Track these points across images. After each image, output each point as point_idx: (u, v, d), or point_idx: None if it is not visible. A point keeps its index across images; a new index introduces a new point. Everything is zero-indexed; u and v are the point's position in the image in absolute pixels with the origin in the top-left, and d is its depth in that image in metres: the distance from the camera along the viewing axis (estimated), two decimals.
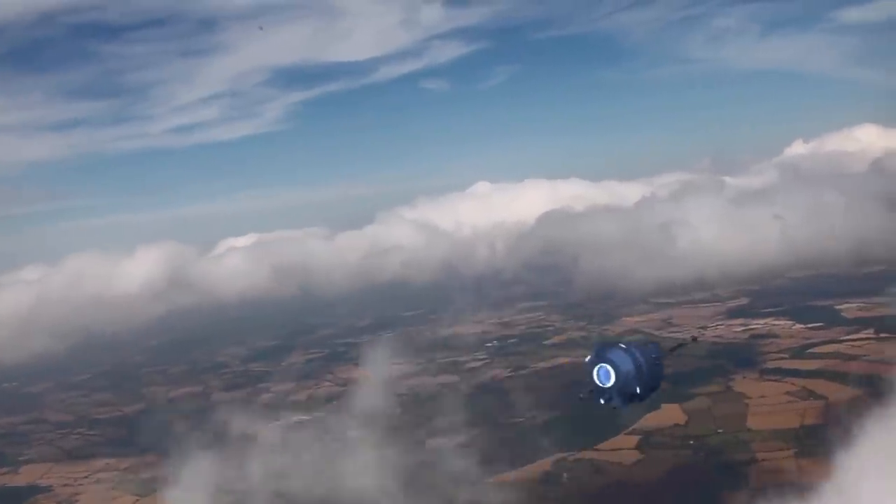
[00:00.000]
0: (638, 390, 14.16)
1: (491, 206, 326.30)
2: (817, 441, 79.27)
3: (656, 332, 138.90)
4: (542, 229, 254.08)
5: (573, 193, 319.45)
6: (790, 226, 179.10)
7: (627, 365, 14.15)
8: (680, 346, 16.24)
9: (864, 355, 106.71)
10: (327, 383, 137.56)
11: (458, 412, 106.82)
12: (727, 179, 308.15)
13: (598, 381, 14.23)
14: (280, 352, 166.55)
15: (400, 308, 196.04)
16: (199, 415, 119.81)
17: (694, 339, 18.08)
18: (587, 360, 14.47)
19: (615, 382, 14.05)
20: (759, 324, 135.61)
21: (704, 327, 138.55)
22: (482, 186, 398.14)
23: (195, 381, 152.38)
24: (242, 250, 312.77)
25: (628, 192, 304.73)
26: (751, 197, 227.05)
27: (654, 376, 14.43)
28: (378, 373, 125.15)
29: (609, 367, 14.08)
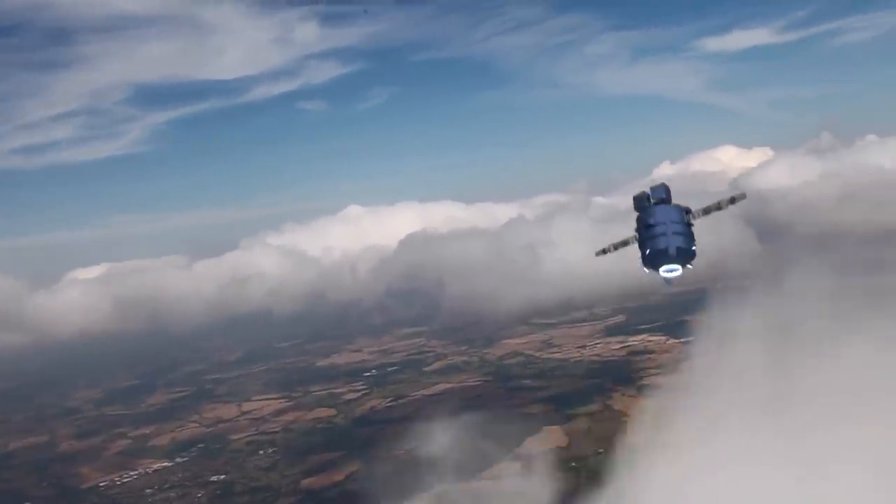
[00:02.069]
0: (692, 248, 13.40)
1: (362, 231, 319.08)
2: None
3: (537, 354, 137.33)
4: (404, 253, 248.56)
5: (446, 215, 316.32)
6: None
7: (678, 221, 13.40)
8: (717, 206, 14.26)
9: None
10: (193, 424, 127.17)
11: (336, 447, 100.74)
12: (599, 199, 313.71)
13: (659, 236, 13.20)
14: (139, 392, 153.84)
15: (272, 339, 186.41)
16: (43, 468, 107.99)
17: (733, 199, 15.06)
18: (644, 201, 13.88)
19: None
20: (636, 340, 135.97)
21: (584, 346, 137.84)
22: (354, 210, 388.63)
23: (41, 429, 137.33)
24: (87, 282, 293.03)
25: (502, 214, 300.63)
26: (617, 216, 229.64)
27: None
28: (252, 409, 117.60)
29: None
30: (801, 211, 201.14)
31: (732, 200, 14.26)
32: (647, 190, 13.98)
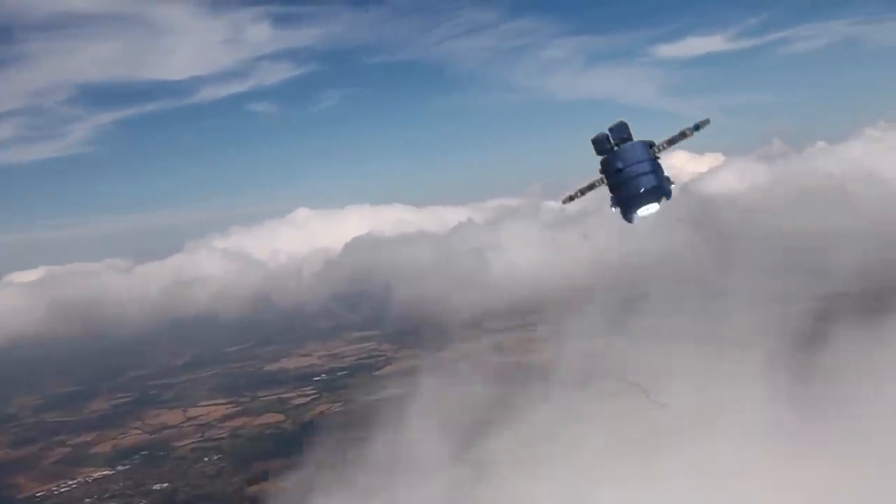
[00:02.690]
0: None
1: (310, 234, 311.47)
2: None
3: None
4: (350, 256, 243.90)
5: (396, 219, 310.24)
6: (600, 247, 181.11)
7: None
8: (681, 135, 13.60)
9: None
10: (136, 431, 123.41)
11: (284, 453, 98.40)
12: (551, 204, 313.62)
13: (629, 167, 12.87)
14: (80, 398, 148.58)
15: (219, 343, 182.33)
16: None
17: (697, 127, 14.54)
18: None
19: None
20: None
21: (535, 351, 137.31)
22: (302, 213, 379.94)
23: None
24: (24, 286, 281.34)
25: (453, 218, 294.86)
26: (566, 220, 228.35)
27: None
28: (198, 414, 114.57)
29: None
30: (749, 215, 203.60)
31: (696, 127, 13.48)
32: (606, 131, 13.26)
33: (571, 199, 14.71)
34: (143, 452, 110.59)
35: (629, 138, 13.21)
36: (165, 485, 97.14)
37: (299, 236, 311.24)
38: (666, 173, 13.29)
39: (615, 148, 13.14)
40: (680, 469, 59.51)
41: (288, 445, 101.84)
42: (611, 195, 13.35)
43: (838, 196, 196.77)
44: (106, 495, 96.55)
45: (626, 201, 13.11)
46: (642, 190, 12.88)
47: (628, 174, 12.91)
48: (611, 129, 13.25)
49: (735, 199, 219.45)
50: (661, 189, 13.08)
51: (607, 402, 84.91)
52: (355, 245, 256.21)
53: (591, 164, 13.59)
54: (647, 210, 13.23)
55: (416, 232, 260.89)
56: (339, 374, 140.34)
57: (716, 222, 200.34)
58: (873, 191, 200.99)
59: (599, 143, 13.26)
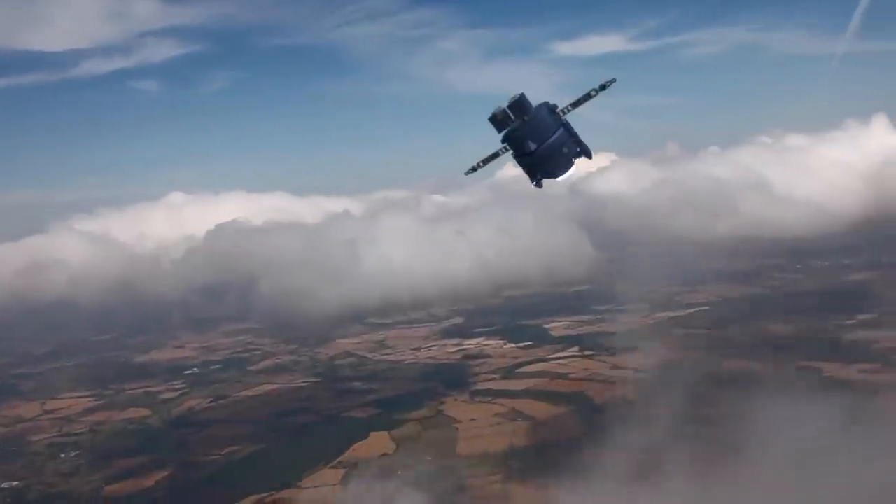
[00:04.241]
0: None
1: (182, 219, 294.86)
2: (524, 463, 77.88)
3: (370, 355, 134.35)
4: (213, 244, 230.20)
5: (274, 207, 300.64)
6: (483, 244, 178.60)
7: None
8: (587, 96, 12.79)
9: (570, 373, 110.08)
10: None
11: (147, 451, 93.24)
12: (437, 197, 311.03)
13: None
14: None
15: (86, 332, 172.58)
16: None
17: (603, 86, 13.58)
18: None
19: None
20: (471, 344, 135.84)
21: (419, 348, 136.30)
22: (176, 197, 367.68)
23: None
24: None
25: (334, 208, 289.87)
26: (447, 215, 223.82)
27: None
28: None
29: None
30: (636, 217, 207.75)
31: (602, 87, 12.78)
32: (504, 107, 12.62)
33: (474, 169, 14.15)
34: None
35: (530, 108, 12.64)
36: (16, 483, 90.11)
37: (170, 221, 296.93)
38: (580, 142, 13.06)
39: (518, 127, 12.62)
40: None
41: (152, 442, 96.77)
42: (528, 170, 13.06)
43: (725, 202, 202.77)
44: None
45: (543, 172, 12.99)
46: (555, 160, 12.79)
47: (543, 153, 12.63)
48: (510, 107, 12.65)
49: (623, 200, 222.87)
50: (575, 153, 13.01)
51: None
52: (219, 233, 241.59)
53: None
54: (568, 174, 13.18)
55: (286, 222, 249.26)
56: (212, 367, 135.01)
57: (602, 223, 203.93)
58: (761, 197, 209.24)
59: (501, 122, 12.75)
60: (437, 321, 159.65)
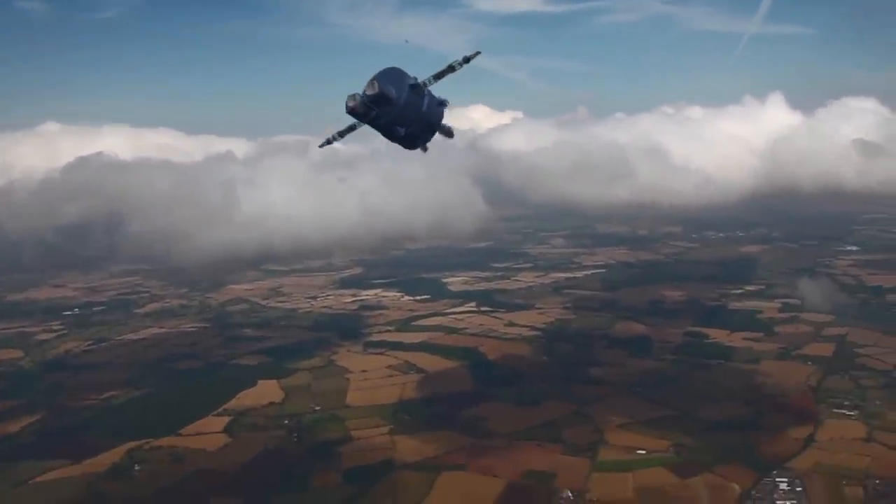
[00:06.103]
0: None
1: (55, 151, 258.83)
2: (413, 416, 77.18)
3: (263, 302, 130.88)
4: (72, 178, 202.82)
5: (160, 144, 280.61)
6: (368, 194, 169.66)
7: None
8: (449, 69, 12.25)
9: (465, 328, 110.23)
10: None
11: (16, 394, 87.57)
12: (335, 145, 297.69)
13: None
14: None
15: None
16: None
17: (467, 59, 12.60)
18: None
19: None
20: (369, 295, 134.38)
21: (315, 297, 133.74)
22: (50, 127, 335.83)
23: None
24: None
25: (226, 149, 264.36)
26: (339, 163, 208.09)
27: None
28: None
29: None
30: (531, 177, 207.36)
31: (466, 60, 12.17)
32: (364, 93, 11.55)
33: (329, 142, 13.86)
34: None
35: (390, 89, 11.71)
36: None
37: (41, 153, 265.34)
38: (445, 116, 12.80)
39: (382, 117, 11.87)
40: None
41: (22, 385, 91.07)
42: (397, 142, 12.60)
43: (623, 167, 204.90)
44: None
45: (410, 145, 12.75)
46: (420, 135, 12.64)
47: (413, 133, 12.36)
48: (372, 100, 11.58)
49: (520, 159, 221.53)
50: (439, 127, 12.86)
51: None
52: (80, 166, 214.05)
53: None
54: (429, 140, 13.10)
55: (160, 160, 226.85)
56: (95, 308, 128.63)
57: (497, 180, 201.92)
58: (658, 165, 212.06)
59: (362, 109, 11.69)
60: (336, 270, 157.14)
